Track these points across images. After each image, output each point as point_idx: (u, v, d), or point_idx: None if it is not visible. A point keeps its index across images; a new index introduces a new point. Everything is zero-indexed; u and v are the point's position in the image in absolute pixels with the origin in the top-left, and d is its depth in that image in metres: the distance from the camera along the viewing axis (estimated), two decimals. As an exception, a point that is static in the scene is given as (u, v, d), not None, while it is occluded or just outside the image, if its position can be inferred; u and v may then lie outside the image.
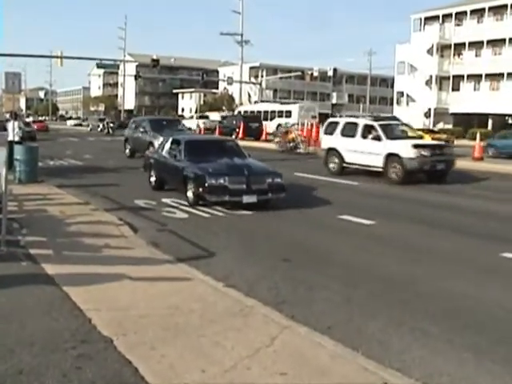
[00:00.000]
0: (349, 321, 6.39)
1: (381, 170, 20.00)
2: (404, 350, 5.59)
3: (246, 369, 4.80)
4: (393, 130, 21.19)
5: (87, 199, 14.09)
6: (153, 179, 16.52)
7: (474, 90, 62.74)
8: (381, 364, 5.12)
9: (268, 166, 14.54)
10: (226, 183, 12.93)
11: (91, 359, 4.87)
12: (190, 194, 13.67)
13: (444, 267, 8.74)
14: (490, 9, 60.10)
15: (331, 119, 24.77)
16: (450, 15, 65.04)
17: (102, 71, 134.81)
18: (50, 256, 8.30)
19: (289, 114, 55.37)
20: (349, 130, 21.59)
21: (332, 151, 22.18)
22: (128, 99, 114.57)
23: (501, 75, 58.42)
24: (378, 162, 20.00)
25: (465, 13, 62.89)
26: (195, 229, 11.28)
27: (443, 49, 65.72)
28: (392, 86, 79.11)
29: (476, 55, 62.26)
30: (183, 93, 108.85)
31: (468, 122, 60.16)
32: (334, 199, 15.28)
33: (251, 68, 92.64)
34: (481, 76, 60.44)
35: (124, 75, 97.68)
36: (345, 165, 21.71)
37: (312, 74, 61.24)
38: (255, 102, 77.17)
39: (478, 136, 30.60)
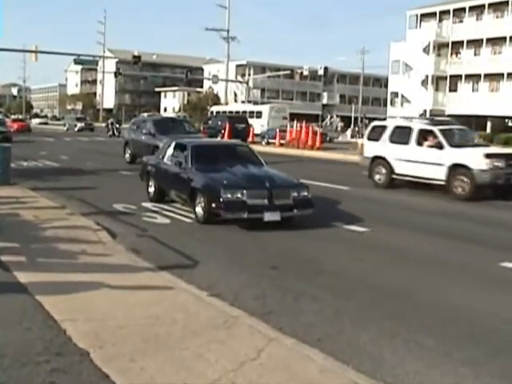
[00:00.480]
0: (339, 333, 6.39)
1: (442, 183, 17.99)
2: (397, 364, 5.59)
3: (231, 383, 4.78)
4: (455, 136, 19.18)
5: (63, 203, 14.01)
6: (151, 190, 15.10)
7: (473, 90, 63.23)
8: (373, 378, 5.12)
9: (291, 177, 13.08)
10: (245, 197, 11.57)
11: (65, 373, 4.83)
12: (199, 209, 12.16)
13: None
14: (490, 5, 60.61)
15: (376, 123, 22.51)
16: (447, 12, 65.58)
17: (79, 67, 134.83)
18: (22, 263, 8.24)
19: (259, 114, 57.89)
20: (400, 136, 19.50)
21: (378, 160, 20.15)
22: (107, 97, 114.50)
23: (500, 75, 58.87)
24: (438, 173, 17.92)
25: (463, 9, 63.41)
26: (178, 235, 11.25)
27: (440, 47, 66.24)
28: (386, 86, 79.58)
29: (475, 54, 62.74)
30: (166, 91, 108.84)
31: (466, 125, 60.32)
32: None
33: (238, 66, 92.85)
34: (479, 76, 60.88)
35: (103, 72, 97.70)
36: (394, 176, 19.67)
37: (302, 72, 61.47)
38: (242, 102, 77.29)
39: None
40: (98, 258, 8.72)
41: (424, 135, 18.70)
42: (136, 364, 5.06)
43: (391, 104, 72.63)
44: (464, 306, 7.43)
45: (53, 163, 25.83)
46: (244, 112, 58.52)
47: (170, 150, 14.52)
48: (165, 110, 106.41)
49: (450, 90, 64.79)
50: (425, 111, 64.66)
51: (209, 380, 4.80)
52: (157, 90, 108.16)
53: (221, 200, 11.46)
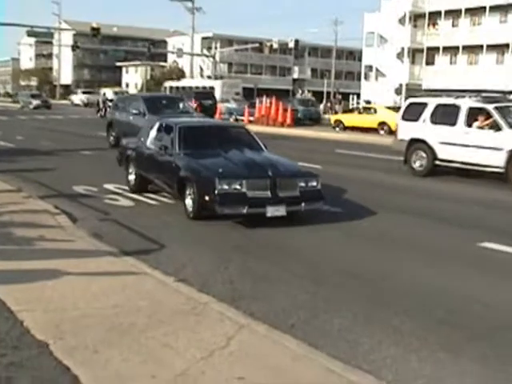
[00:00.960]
0: (313, 318, 6.43)
1: (500, 170, 16.23)
2: (373, 349, 5.65)
3: (200, 373, 4.79)
4: None
5: (19, 185, 13.84)
6: (132, 177, 13.79)
7: (450, 63, 63.59)
8: (348, 365, 5.17)
9: (298, 164, 12.19)
10: (244, 189, 10.35)
11: (23, 367, 4.78)
12: (189, 201, 10.98)
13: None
14: (468, -26, 60.81)
15: (413, 100, 20.35)
16: (423, -20, 65.64)
17: (33, 40, 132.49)
18: (-24, 250, 8.14)
19: (212, 90, 58.41)
20: (444, 116, 17.74)
21: (417, 144, 18.26)
22: (64, 73, 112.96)
23: (480, 47, 59.20)
24: (495, 159, 16.19)
25: (440, -22, 63.54)
26: (142, 218, 11.21)
27: (416, 18, 66.42)
28: (360, 60, 79.74)
29: (453, 25, 62.99)
30: (127, 66, 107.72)
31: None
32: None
33: (203, 39, 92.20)
34: (458, 48, 61.18)
35: (59, 45, 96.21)
36: (437, 162, 17.89)
37: (271, 45, 61.21)
38: (208, 77, 76.93)
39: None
40: (58, 244, 8.64)
41: (475, 114, 17.02)
42: (99, 355, 5.03)
43: (365, 78, 72.83)
44: (443, 289, 7.52)
45: (7, 144, 25.47)
46: (197, 87, 60.56)
47: (154, 132, 13.26)
48: (127, 85, 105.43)
49: (426, 63, 65.07)
50: (400, 85, 64.98)
51: (177, 370, 4.80)
52: (118, 64, 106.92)
53: (216, 192, 10.18)
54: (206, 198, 10.37)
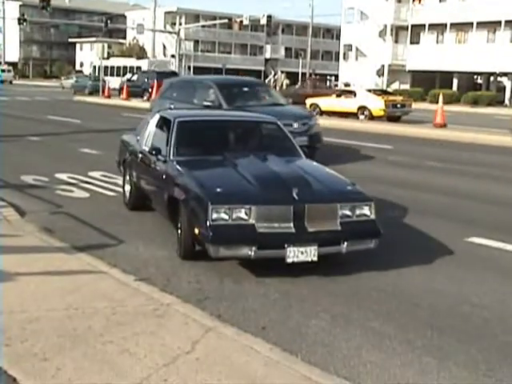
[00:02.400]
0: (287, 319, 6.45)
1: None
2: (353, 354, 5.68)
3: (163, 381, 4.78)
4: None
5: (-40, 175, 13.69)
6: (127, 189, 11.42)
7: (437, 42, 64.11)
8: (325, 371, 5.20)
9: (346, 180, 8.78)
10: (252, 219, 7.56)
11: (-35, 376, 4.74)
12: (180, 232, 8.43)
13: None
14: None
15: None
16: (408, -49, 65.96)
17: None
18: None
19: (139, 69, 63.78)
20: None
21: None
22: (10, 49, 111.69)
23: (469, 24, 59.64)
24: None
25: None
26: (99, 211, 11.14)
27: (400, -8, 66.76)
28: (338, 38, 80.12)
29: (440, 0, 63.37)
30: (82, 43, 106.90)
31: (429, 82, 61.52)
32: None
33: (167, 13, 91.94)
34: (445, 26, 61.60)
35: (3, 18, 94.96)
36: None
37: (241, 22, 61.19)
38: (172, 56, 76.66)
39: (440, 98, 31.30)
40: (4, 240, 8.54)
41: None
42: (50, 364, 4.99)
43: (344, 58, 73.20)
44: (428, 289, 7.58)
45: None
46: (125, 67, 66.95)
47: (152, 128, 10.79)
48: (81, 64, 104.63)
49: (411, 42, 65.47)
50: (382, 66, 65.40)
51: (137, 379, 4.79)
52: (71, 40, 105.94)
53: (207, 223, 7.50)
54: (196, 230, 7.76)
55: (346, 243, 7.79)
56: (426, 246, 9.47)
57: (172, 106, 16.71)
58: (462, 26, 61.06)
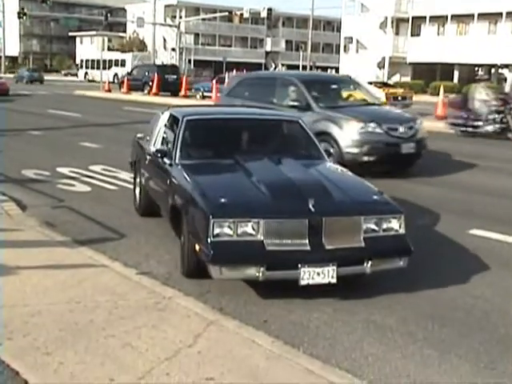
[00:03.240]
0: (288, 313, 6.46)
1: None
2: (354, 347, 5.69)
3: (165, 375, 4.79)
4: None
5: (-39, 170, 13.70)
6: (137, 192, 10.67)
7: (438, 34, 63.97)
8: (327, 364, 5.21)
9: (371, 187, 7.74)
10: (260, 235, 6.55)
11: (-33, 370, 4.75)
12: (183, 245, 7.45)
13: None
14: None
15: None
16: None
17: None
18: None
19: (123, 63, 67.63)
20: None
21: None
22: (10, 43, 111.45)
23: (470, 16, 59.51)
24: None
25: None
26: (100, 205, 11.14)
27: (401, -17, 66.58)
28: (339, 31, 79.93)
29: (441, -8, 63.15)
30: (82, 36, 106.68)
31: (430, 74, 61.45)
32: None
33: (167, 6, 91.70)
34: (446, 17, 61.47)
35: (3, 11, 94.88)
36: None
37: (242, 15, 61.02)
38: (172, 49, 76.58)
39: (441, 90, 31.27)
40: (5, 234, 8.55)
41: None
42: (52, 358, 5.00)
43: (345, 51, 73.07)
44: (430, 280, 7.58)
45: None
46: (110, 60, 70.44)
47: (161, 127, 9.87)
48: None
49: (412, 35, 65.37)
50: (383, 59, 65.27)
51: (139, 372, 4.80)
52: (71, 34, 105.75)
53: (208, 239, 6.53)
54: (197, 246, 6.81)
55: (370, 262, 6.72)
56: (426, 238, 9.46)
57: None
58: (463, 18, 60.90)
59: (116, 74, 67.75)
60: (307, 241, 6.60)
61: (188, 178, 7.70)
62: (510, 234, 9.68)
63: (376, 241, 6.83)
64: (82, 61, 73.33)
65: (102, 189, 12.63)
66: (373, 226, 6.87)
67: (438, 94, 32.91)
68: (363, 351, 5.60)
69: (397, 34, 67.58)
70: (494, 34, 59.15)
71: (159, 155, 8.76)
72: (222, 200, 6.79)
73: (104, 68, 69.00)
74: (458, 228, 10.00)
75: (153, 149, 9.31)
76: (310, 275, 6.57)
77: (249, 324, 5.92)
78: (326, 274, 6.58)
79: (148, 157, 9.70)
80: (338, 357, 5.46)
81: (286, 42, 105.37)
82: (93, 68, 75.45)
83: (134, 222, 9.95)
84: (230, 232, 6.55)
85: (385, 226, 6.94)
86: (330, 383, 4.78)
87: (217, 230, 6.52)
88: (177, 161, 8.35)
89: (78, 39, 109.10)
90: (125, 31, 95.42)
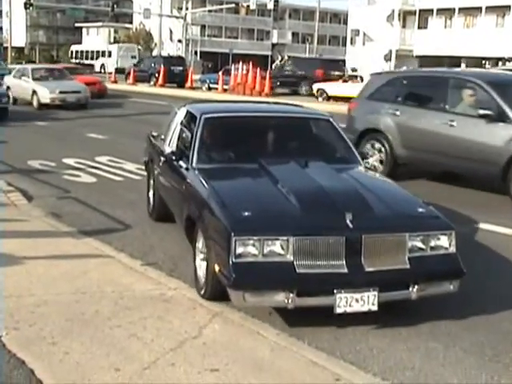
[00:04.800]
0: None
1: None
2: (359, 339, 5.69)
3: (170, 365, 4.81)
4: None
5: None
6: (151, 194, 9.81)
7: (445, 27, 63.64)
8: (332, 356, 5.22)
9: (417, 199, 6.74)
10: (290, 255, 5.65)
11: (-27, 359, 4.78)
12: (199, 262, 6.62)
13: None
14: None
15: None
16: None
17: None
18: None
19: (110, 54, 68.50)
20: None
21: None
22: (17, 34, 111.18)
23: (478, 9, 59.15)
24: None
25: None
26: (106, 196, 11.16)
27: (408, -24, 66.31)
28: (345, 23, 79.53)
29: (447, -15, 62.94)
30: (88, 27, 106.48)
31: (437, 67, 61.18)
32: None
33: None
34: (453, 10, 61.13)
35: (10, 2, 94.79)
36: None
37: (248, 6, 60.82)
38: (179, 41, 76.50)
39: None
40: (11, 225, 8.58)
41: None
42: (58, 347, 5.03)
43: (351, 43, 72.72)
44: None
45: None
46: (98, 51, 72.71)
47: (177, 125, 8.91)
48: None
49: (418, 27, 65.04)
50: (390, 51, 64.97)
51: (144, 363, 4.81)
52: (77, 25, 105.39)
53: (230, 260, 5.61)
54: (217, 267, 5.87)
55: (416, 286, 5.85)
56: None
57: (397, 113, 13.18)
58: (470, 11, 60.58)
59: (103, 65, 69.12)
60: (344, 262, 5.68)
61: (206, 185, 6.75)
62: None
63: (423, 261, 5.94)
64: (72, 52, 76.85)
65: (107, 180, 12.65)
66: (419, 244, 5.97)
67: (444, 87, 32.69)
68: (368, 343, 5.60)
69: (404, 26, 67.26)
70: (502, 27, 58.84)
71: (174, 158, 7.85)
72: (246, 213, 5.85)
73: (92, 58, 73.44)
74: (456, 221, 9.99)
75: (168, 150, 8.48)
76: (348, 302, 5.66)
77: (254, 316, 5.92)
78: (365, 301, 5.68)
79: (162, 158, 8.75)
80: (343, 349, 5.46)
81: (293, 34, 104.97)
82: (82, 58, 77.01)
83: (139, 213, 9.95)
84: (255, 251, 5.62)
85: (433, 243, 6.04)
86: (334, 374, 4.79)
87: (239, 250, 5.60)
88: (194, 164, 7.41)
89: (84, 30, 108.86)
90: (131, 22, 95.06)
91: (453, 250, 6.10)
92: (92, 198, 10.83)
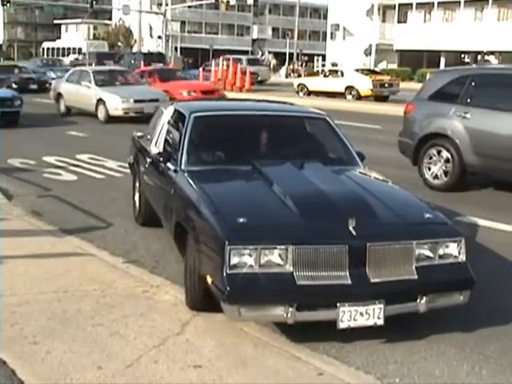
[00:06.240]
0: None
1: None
2: (342, 334, 5.70)
3: (153, 362, 4.81)
4: None
5: None
6: (137, 198, 9.34)
7: (424, 21, 63.92)
8: (315, 352, 5.23)
9: (419, 201, 6.50)
10: (289, 265, 5.23)
11: (-46, 360, 4.75)
12: (188, 272, 6.05)
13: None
14: None
15: None
16: None
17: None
18: None
19: (80, 50, 70.10)
20: None
21: None
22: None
23: (457, 3, 59.45)
24: None
25: None
26: (87, 194, 11.12)
27: (387, -30, 66.46)
28: (325, 18, 79.68)
29: (427, -23, 63.12)
30: (67, 24, 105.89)
31: (416, 61, 61.43)
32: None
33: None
34: (432, 4, 61.42)
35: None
36: None
37: (228, 2, 60.96)
38: (159, 37, 76.26)
39: (427, 78, 31.21)
40: (-8, 224, 8.53)
41: None
42: (40, 347, 5.01)
43: (331, 38, 72.87)
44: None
45: None
46: (69, 48, 75.05)
47: (164, 124, 8.32)
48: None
49: (398, 21, 65.30)
50: (370, 46, 65.12)
51: (127, 360, 4.81)
52: (56, 22, 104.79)
53: (224, 272, 5.17)
54: (209, 279, 5.48)
55: (424, 298, 5.44)
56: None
57: (467, 115, 11.84)
58: (449, 5, 60.87)
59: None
60: (347, 273, 5.26)
61: (197, 189, 6.30)
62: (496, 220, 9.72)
63: (431, 271, 5.54)
64: (44, 49, 77.65)
65: (88, 178, 12.61)
66: (427, 253, 5.57)
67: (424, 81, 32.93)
68: (351, 338, 5.60)
69: (383, 21, 67.47)
70: (481, 21, 59.18)
71: (161, 159, 7.39)
72: (241, 220, 5.38)
73: (63, 55, 73.64)
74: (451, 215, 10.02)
75: (154, 150, 8.01)
76: (352, 316, 5.25)
77: (237, 312, 5.92)
78: (370, 314, 5.28)
79: (148, 159, 8.32)
80: (326, 345, 5.46)
81: (273, 29, 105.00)
82: (53, 55, 76.86)
83: (121, 211, 9.93)
84: (252, 262, 5.17)
85: (441, 251, 5.64)
86: (317, 369, 4.81)
87: (234, 260, 5.15)
88: (183, 167, 6.91)
89: (63, 27, 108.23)
90: (110, 19, 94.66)
91: (462, 258, 5.70)
92: (73, 196, 10.79)
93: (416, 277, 5.41)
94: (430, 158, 12.27)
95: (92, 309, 5.78)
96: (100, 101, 23.14)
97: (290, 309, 5.13)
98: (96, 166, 13.46)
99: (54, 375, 4.60)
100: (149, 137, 8.86)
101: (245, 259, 5.16)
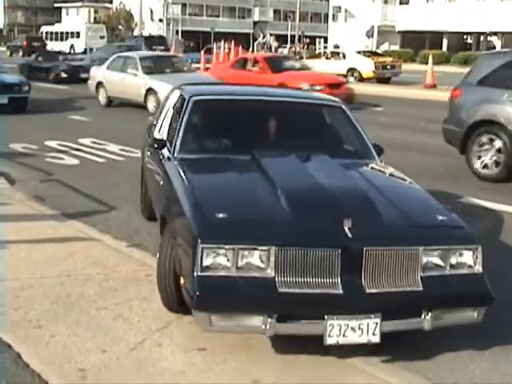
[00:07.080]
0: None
1: None
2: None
3: (157, 345, 4.82)
4: None
5: None
6: (142, 189, 8.81)
7: (427, 2, 63.61)
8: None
9: (432, 200, 5.65)
10: (270, 270, 4.55)
11: (-42, 346, 4.76)
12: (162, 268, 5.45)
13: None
14: None
15: None
16: None
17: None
18: None
19: (78, 34, 71.20)
20: None
21: None
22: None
23: (460, -18, 59.24)
24: None
25: None
26: (89, 178, 11.12)
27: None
28: (327, -1, 79.38)
29: (429, -41, 62.84)
30: (68, 7, 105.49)
31: (418, 43, 61.18)
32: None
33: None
34: (434, -15, 61.19)
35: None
36: None
37: (229, -17, 60.67)
38: (160, 20, 76.06)
39: (430, 59, 31.21)
40: (-6, 208, 8.53)
41: None
42: (44, 331, 5.02)
43: (333, 20, 72.64)
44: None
45: None
46: (67, 32, 74.40)
47: (168, 109, 7.73)
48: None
49: (400, 3, 65.07)
50: (372, 27, 64.90)
51: (130, 343, 4.83)
52: (56, 5, 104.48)
53: (195, 273, 4.55)
54: (181, 280, 4.98)
55: (430, 314, 4.71)
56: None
57: None
58: (452, -15, 60.67)
59: (72, 45, 69.54)
60: (339, 280, 4.57)
61: (183, 179, 5.63)
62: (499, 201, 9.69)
63: (440, 282, 4.79)
64: (43, 33, 77.69)
65: (91, 162, 12.60)
66: (436, 261, 4.82)
67: (427, 63, 32.89)
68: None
69: (385, 2, 67.20)
70: (483, 1, 58.85)
71: (156, 146, 6.80)
72: (220, 215, 4.75)
73: (61, 39, 73.85)
74: (451, 196, 10.01)
75: (158, 136, 7.33)
76: (341, 331, 4.53)
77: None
78: (364, 330, 4.55)
79: (147, 147, 7.85)
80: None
81: (274, 11, 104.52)
82: (51, 39, 76.49)
83: (123, 195, 9.92)
84: (228, 264, 4.53)
85: (453, 260, 4.85)
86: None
87: (207, 261, 4.52)
88: (175, 154, 6.28)
89: (63, 10, 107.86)
90: (111, 2, 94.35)
91: (478, 269, 4.89)
92: (75, 181, 10.77)
93: (421, 288, 4.68)
94: (480, 146, 11.54)
95: (95, 292, 5.78)
96: (150, 90, 20.28)
97: (269, 319, 4.46)
98: (98, 150, 13.49)
99: (58, 359, 4.61)
100: (155, 122, 8.31)
101: (220, 260, 4.53)
